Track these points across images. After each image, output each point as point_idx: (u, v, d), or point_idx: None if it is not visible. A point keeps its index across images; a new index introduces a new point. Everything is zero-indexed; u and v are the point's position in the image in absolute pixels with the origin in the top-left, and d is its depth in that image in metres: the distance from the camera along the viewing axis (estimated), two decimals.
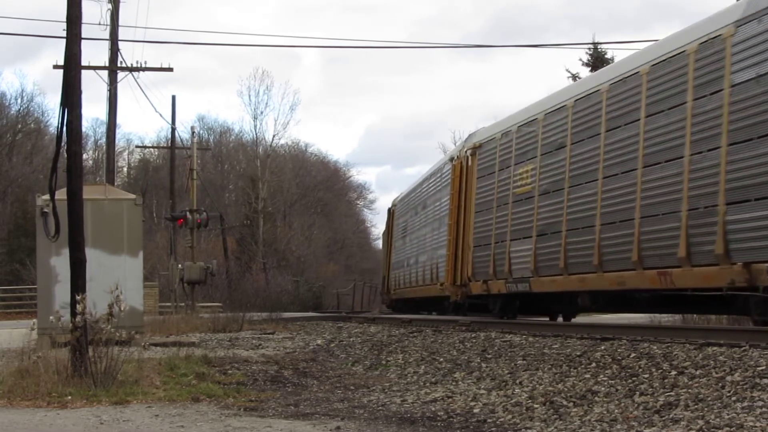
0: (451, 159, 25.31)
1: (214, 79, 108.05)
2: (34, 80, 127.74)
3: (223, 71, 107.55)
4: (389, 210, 37.08)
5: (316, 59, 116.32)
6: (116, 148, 38.69)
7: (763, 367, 7.92)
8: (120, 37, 32.68)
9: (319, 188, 73.79)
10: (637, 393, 7.81)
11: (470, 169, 22.78)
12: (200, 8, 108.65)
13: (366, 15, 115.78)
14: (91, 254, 12.61)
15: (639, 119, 15.16)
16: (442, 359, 12.21)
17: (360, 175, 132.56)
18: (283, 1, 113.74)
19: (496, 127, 22.39)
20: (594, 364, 9.70)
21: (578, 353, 10.73)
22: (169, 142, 46.98)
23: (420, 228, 29.42)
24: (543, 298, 19.47)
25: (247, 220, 60.76)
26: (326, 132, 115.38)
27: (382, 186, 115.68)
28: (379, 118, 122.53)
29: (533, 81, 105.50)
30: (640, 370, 8.87)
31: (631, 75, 15.71)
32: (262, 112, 68.80)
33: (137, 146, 71.35)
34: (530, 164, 19.14)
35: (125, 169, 72.80)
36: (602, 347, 11.01)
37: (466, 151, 23.52)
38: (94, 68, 31.90)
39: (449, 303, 24.39)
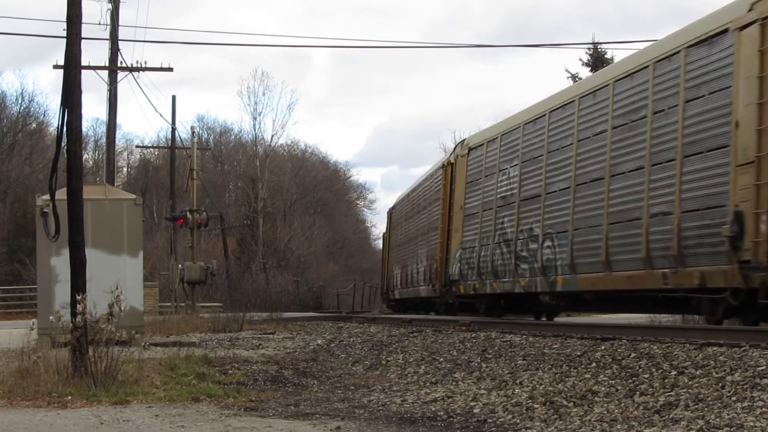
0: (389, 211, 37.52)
1: (226, 80, 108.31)
2: (34, 80, 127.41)
3: (235, 72, 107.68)
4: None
5: (326, 60, 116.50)
6: (116, 148, 38.66)
7: (763, 367, 7.91)
8: (125, 38, 32.75)
9: (319, 188, 73.73)
10: (638, 393, 7.80)
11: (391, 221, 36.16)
12: (214, 11, 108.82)
13: (378, 17, 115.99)
14: (91, 254, 12.61)
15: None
16: (442, 359, 12.20)
17: (360, 175, 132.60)
18: (295, 4, 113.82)
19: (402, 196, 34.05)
20: (594, 364, 9.70)
21: (578, 353, 10.73)
22: (169, 142, 46.98)
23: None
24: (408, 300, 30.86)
25: (247, 220, 60.74)
26: (335, 131, 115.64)
27: (388, 186, 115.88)
28: (388, 118, 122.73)
29: (541, 82, 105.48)
30: (641, 370, 8.87)
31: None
32: (261, 113, 68.68)
33: (137, 146, 71.28)
34: (405, 222, 31.14)
35: (125, 169, 72.77)
36: (602, 347, 11.00)
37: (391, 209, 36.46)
38: (94, 68, 31.89)
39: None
